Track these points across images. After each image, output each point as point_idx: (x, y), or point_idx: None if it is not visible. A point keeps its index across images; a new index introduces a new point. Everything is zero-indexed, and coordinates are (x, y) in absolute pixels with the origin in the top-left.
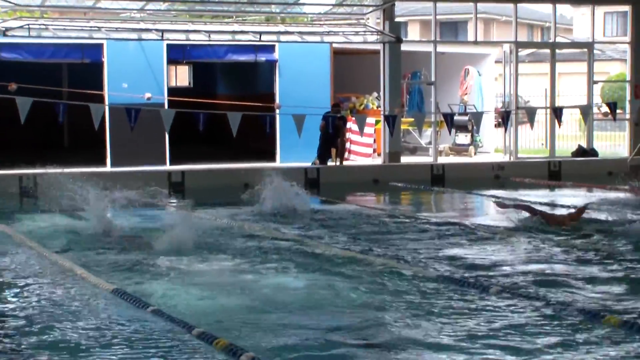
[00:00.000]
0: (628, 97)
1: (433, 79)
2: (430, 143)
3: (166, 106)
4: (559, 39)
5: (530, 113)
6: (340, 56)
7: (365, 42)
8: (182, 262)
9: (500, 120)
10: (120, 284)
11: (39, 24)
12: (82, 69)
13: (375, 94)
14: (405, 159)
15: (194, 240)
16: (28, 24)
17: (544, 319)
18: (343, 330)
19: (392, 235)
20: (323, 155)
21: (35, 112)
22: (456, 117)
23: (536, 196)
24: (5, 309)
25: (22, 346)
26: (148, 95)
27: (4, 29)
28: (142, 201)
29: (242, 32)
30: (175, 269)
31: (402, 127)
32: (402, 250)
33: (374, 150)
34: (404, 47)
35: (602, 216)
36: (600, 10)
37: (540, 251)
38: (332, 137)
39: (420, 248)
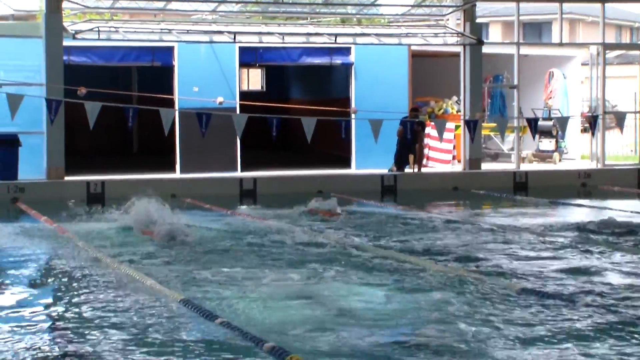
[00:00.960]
0: None
1: (516, 82)
2: (512, 149)
3: (238, 111)
4: None
5: (619, 118)
6: (418, 59)
7: (444, 44)
8: (244, 271)
9: (586, 125)
10: (186, 294)
11: (109, 27)
12: (152, 72)
13: (455, 98)
14: (486, 166)
15: (252, 249)
16: (98, 27)
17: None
18: (422, 345)
19: (472, 244)
20: (400, 161)
21: (104, 117)
22: (540, 122)
23: (626, 206)
24: (72, 315)
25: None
26: (220, 99)
27: (73, 32)
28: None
29: (316, 34)
30: (240, 278)
31: (483, 132)
32: (489, 262)
33: (454, 157)
34: (485, 49)
35: None
36: None
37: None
38: (409, 143)
39: (505, 258)
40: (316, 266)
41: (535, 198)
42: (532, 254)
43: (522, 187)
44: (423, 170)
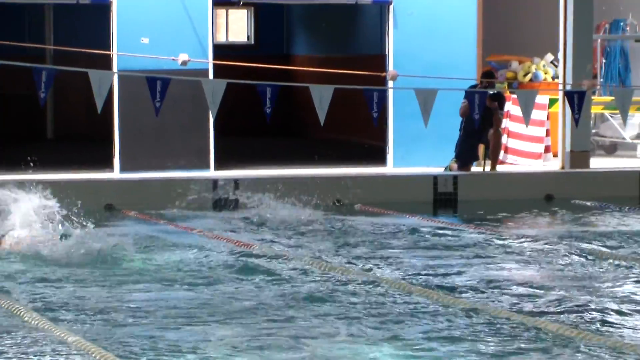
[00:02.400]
0: None
1: None
2: (638, 137)
3: (211, 75)
4: None
5: None
6: None
7: None
8: None
9: None
10: None
11: None
12: (78, 14)
13: (550, 58)
14: (597, 162)
15: None
16: None
17: None
18: None
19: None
20: (465, 155)
21: (2, 82)
22: None
23: None
24: None
25: None
26: (183, 57)
27: None
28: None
29: None
30: None
31: (594, 110)
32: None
33: (547, 149)
34: None
35: None
36: None
37: None
38: (479, 127)
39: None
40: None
41: None
42: None
43: None
44: (499, 168)
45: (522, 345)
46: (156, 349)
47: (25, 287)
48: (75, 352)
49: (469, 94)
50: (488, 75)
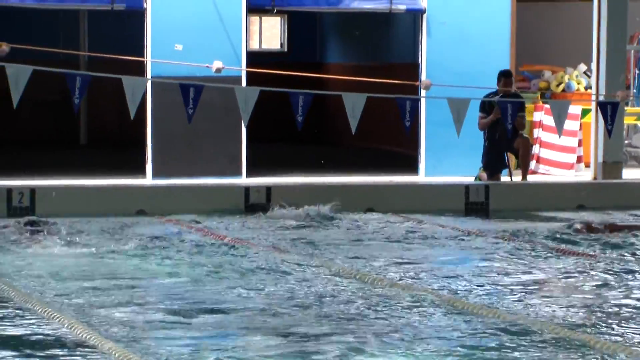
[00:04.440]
0: None
1: None
2: None
3: (244, 82)
4: None
5: None
6: (527, 5)
7: None
8: None
9: None
10: None
11: None
12: (112, 20)
13: (583, 68)
14: (630, 173)
15: None
16: None
17: None
18: None
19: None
20: (492, 164)
21: (35, 89)
22: None
23: None
24: None
25: None
26: (218, 64)
27: None
28: None
29: None
30: None
31: (627, 121)
32: None
33: (579, 159)
34: None
35: None
36: None
37: None
38: (508, 135)
39: None
40: None
41: None
42: None
43: None
44: (531, 178)
45: None
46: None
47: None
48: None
49: (485, 101)
50: (506, 75)
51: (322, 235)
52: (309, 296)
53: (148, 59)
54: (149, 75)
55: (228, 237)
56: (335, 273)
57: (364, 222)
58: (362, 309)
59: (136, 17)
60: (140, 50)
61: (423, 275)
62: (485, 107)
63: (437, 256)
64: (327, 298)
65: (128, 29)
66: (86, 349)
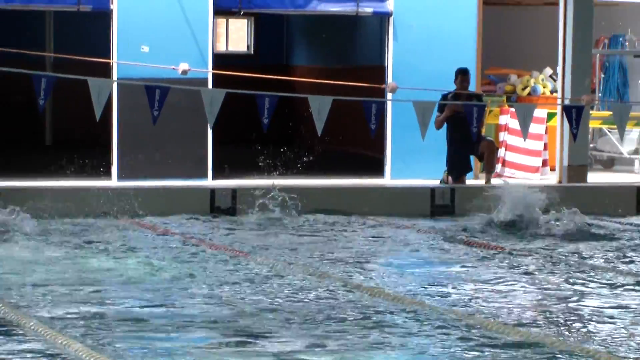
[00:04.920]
0: None
1: None
2: (636, 152)
3: (210, 84)
4: None
5: None
6: (493, 8)
7: None
8: None
9: None
10: None
11: None
12: (78, 21)
13: (549, 72)
14: (595, 177)
15: None
16: None
17: None
18: None
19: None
20: (456, 167)
21: (0, 89)
22: None
23: None
24: None
25: None
26: (184, 66)
27: None
28: None
29: None
30: None
31: (592, 125)
32: None
33: (544, 162)
34: None
35: None
36: None
37: None
38: (472, 138)
39: None
40: None
41: None
42: None
43: None
44: (494, 181)
45: None
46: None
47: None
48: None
49: (445, 98)
50: (463, 73)
51: (288, 237)
52: (270, 297)
53: (114, 61)
54: (114, 76)
55: (193, 238)
56: (301, 275)
57: (329, 224)
58: (326, 310)
59: (102, 18)
60: (106, 52)
61: (384, 277)
62: (441, 107)
63: (400, 258)
64: (291, 299)
65: (94, 30)
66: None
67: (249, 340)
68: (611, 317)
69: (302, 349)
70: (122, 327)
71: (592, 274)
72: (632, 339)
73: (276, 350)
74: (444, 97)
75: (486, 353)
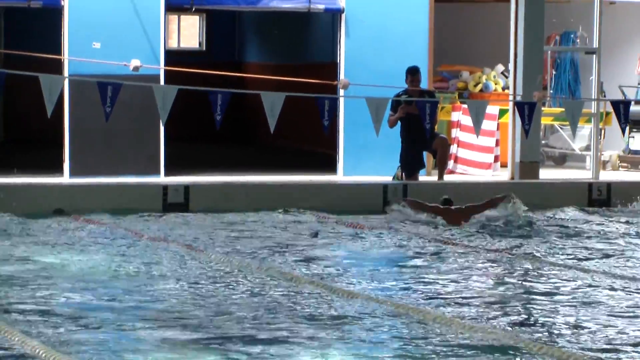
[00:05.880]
0: None
1: (596, 44)
2: (588, 148)
3: (162, 81)
4: None
5: None
6: (445, 5)
7: None
8: None
9: None
10: None
11: None
12: (28, 17)
13: (500, 68)
14: (547, 173)
15: None
16: None
17: None
18: None
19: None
20: (409, 164)
21: None
22: (632, 107)
23: None
24: None
25: None
26: (135, 63)
27: None
28: None
29: None
30: None
31: (544, 121)
32: None
33: (496, 159)
34: None
35: None
36: None
37: None
38: (425, 135)
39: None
40: None
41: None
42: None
43: (601, 205)
44: (447, 178)
45: None
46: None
47: None
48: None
49: (397, 105)
50: (413, 72)
51: (239, 234)
52: (226, 293)
53: (65, 57)
54: (66, 73)
55: (145, 235)
56: (257, 272)
57: (282, 221)
58: (274, 304)
59: (54, 14)
60: (58, 48)
61: (330, 272)
62: (394, 105)
63: (351, 253)
64: (240, 296)
65: (45, 26)
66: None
67: (208, 336)
68: (558, 311)
69: (261, 344)
70: (76, 324)
71: (542, 269)
72: (590, 334)
73: (238, 347)
74: (397, 96)
75: (438, 349)
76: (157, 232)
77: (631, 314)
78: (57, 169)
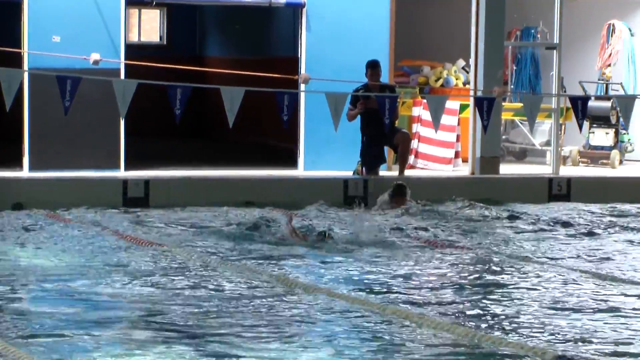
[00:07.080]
0: None
1: (556, 40)
2: (548, 144)
3: (122, 75)
4: None
5: None
6: (406, 0)
7: None
8: None
9: None
10: None
11: None
12: None
13: (461, 63)
14: (507, 168)
15: None
16: None
17: None
18: None
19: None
20: (369, 159)
21: None
22: (592, 103)
23: None
24: None
25: None
26: (95, 57)
27: None
28: None
29: None
30: None
31: (504, 117)
32: None
33: (457, 154)
34: None
35: None
36: None
37: None
38: (385, 129)
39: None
40: None
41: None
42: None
43: (561, 201)
44: (408, 173)
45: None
46: None
47: None
48: None
49: (355, 97)
50: (373, 67)
51: (200, 230)
52: (191, 290)
53: (25, 51)
54: (25, 66)
55: (105, 230)
56: (222, 268)
57: (243, 216)
58: (244, 301)
59: (13, 7)
60: (17, 42)
61: (291, 267)
62: (353, 100)
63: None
64: (214, 291)
65: (5, 19)
66: None
67: (172, 334)
68: (523, 304)
69: (230, 343)
70: (40, 322)
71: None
72: (556, 329)
73: (204, 346)
74: (356, 91)
75: (408, 345)
76: (116, 227)
77: (595, 309)
78: (17, 163)
